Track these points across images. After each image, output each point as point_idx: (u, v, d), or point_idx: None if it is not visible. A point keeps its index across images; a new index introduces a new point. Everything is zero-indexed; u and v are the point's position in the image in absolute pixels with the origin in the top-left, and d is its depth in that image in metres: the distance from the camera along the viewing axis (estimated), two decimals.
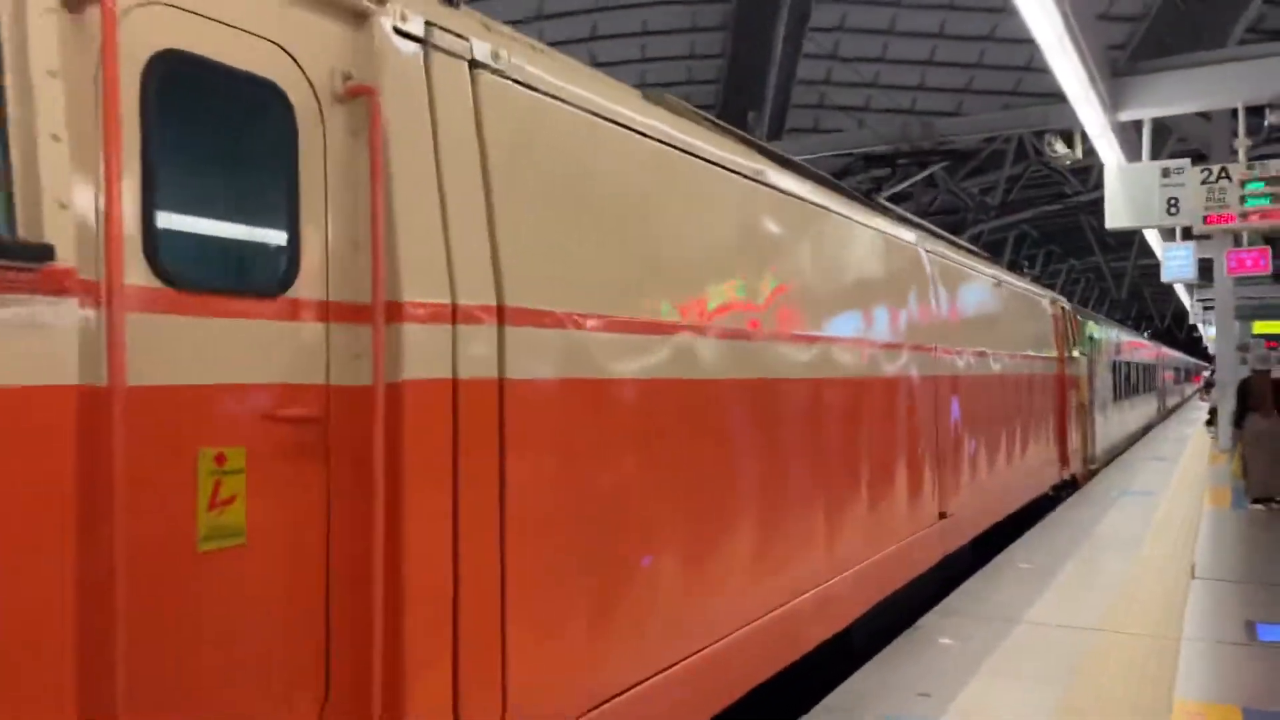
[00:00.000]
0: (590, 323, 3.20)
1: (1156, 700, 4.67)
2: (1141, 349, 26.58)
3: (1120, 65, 9.26)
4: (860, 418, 5.45)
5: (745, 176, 4.41)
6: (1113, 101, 8.65)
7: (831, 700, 4.73)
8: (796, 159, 5.85)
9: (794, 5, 17.78)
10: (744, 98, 19.50)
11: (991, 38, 18.81)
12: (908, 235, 6.55)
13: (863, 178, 22.19)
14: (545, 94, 3.14)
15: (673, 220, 3.78)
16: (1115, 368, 19.03)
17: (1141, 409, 25.12)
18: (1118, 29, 17.38)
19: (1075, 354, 13.06)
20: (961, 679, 5.02)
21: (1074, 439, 12.61)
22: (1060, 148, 13.10)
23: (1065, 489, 12.13)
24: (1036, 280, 12.65)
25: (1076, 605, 6.58)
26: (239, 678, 2.08)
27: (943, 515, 6.90)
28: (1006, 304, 9.14)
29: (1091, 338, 15.41)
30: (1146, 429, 25.60)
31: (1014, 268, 30.78)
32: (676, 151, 3.88)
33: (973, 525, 7.83)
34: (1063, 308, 12.44)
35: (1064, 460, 11.89)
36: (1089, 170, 21.85)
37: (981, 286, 8.32)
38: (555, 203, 3.10)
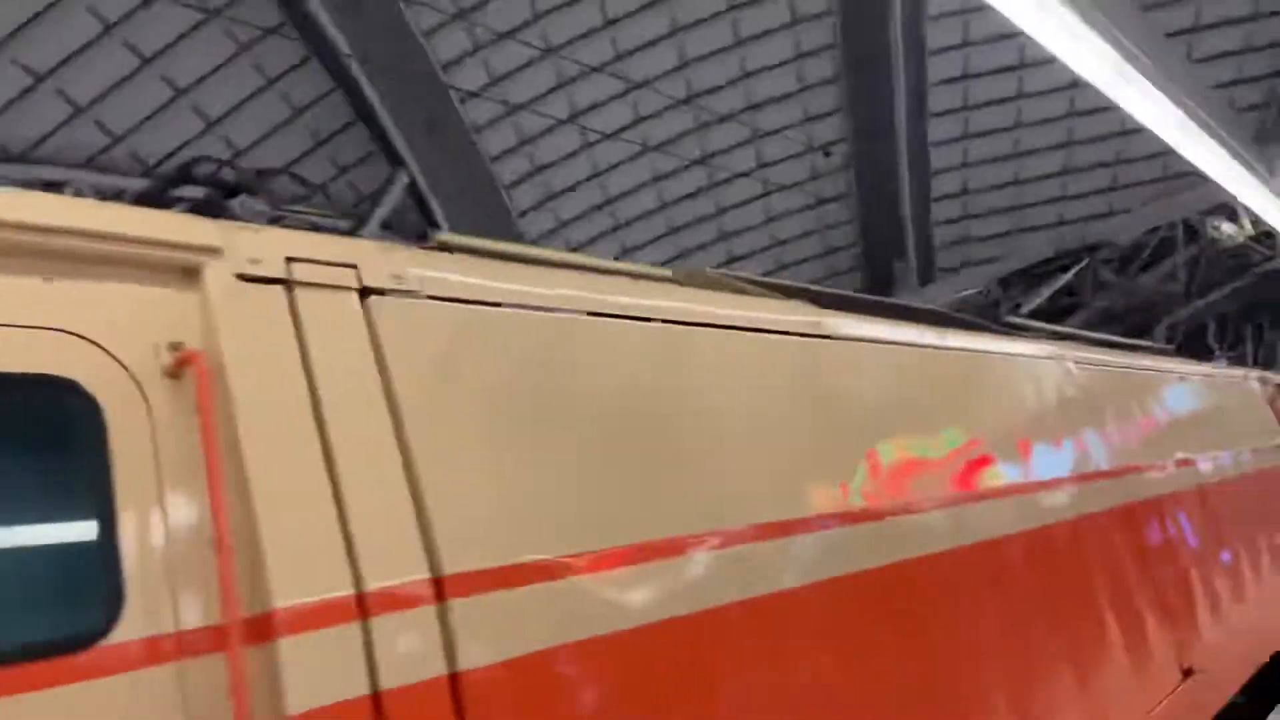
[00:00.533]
0: (586, 562, 2.47)
1: None
2: None
3: (1268, 127, 8.76)
4: (1023, 586, 4.24)
5: (802, 334, 3.68)
6: (1268, 168, 8.14)
7: None
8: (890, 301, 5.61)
9: (912, 153, 17.98)
10: (886, 253, 19.56)
11: (1124, 131, 18.31)
12: (1044, 350, 5.57)
13: (1009, 294, 21.53)
14: (488, 303, 2.63)
15: (701, 406, 3.11)
16: None
17: None
18: (1252, 91, 16.62)
19: None
20: None
21: None
22: (1226, 228, 12.32)
23: None
24: (1233, 361, 10.79)
25: None
26: None
27: (1187, 673, 5.36)
28: (1200, 398, 8.01)
29: None
30: None
31: (1209, 353, 28.65)
32: (698, 328, 3.26)
33: (1230, 678, 6.16)
34: (1277, 384, 11.27)
35: None
36: (1272, 235, 20.41)
37: (1161, 384, 7.20)
38: (518, 422, 2.54)
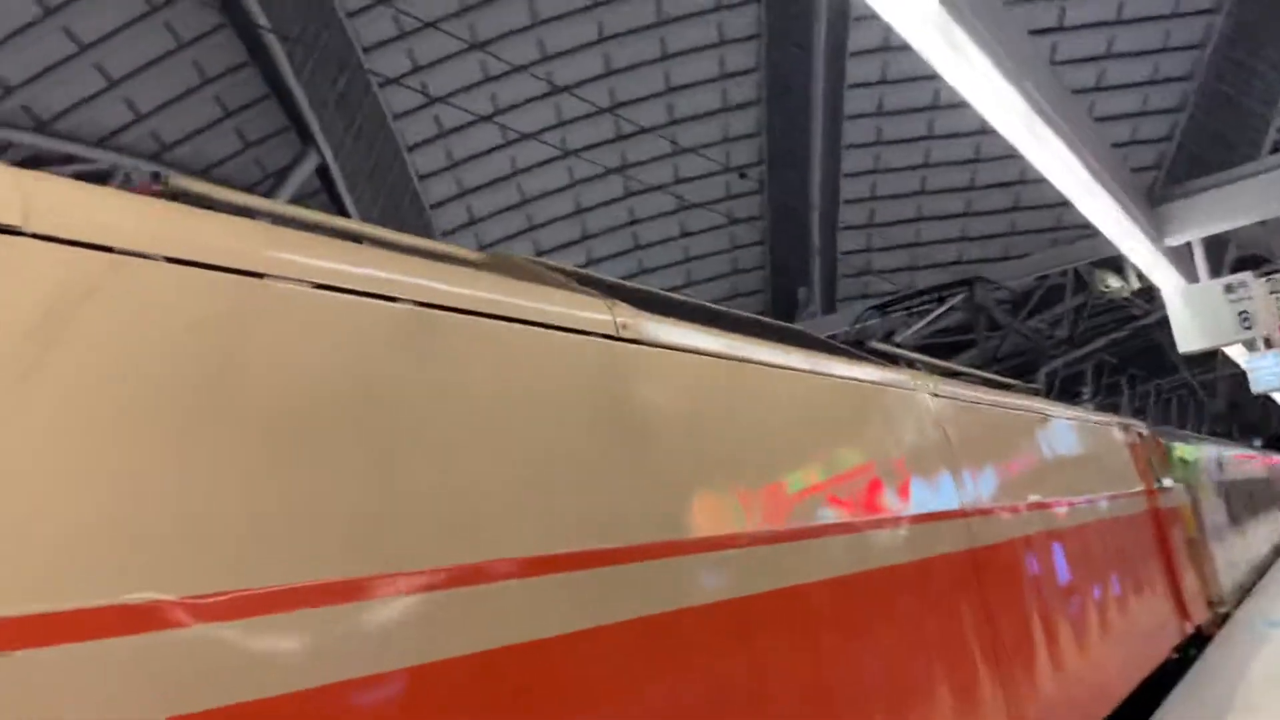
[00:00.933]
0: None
1: None
2: (1249, 461, 24.78)
3: (1158, 190, 9.24)
4: (848, 635, 3.55)
5: (595, 334, 3.00)
6: (1156, 229, 8.59)
7: None
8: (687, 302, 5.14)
9: (824, 182, 18.41)
10: (791, 278, 19.93)
11: (1024, 180, 19.10)
12: (895, 377, 4.97)
13: (924, 330, 22.18)
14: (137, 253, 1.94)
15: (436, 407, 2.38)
16: (1223, 488, 16.93)
17: (1267, 527, 22.54)
18: (1145, 151, 17.54)
19: (1167, 483, 11.25)
20: None
21: (1189, 582, 10.40)
22: (1113, 281, 12.95)
23: (1192, 645, 9.89)
24: (1104, 407, 10.04)
25: None
26: None
27: None
28: (1061, 440, 7.52)
29: (1183, 460, 13.64)
30: (1272, 559, 22.70)
31: (1096, 398, 29.88)
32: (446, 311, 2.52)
33: None
34: (1140, 433, 10.76)
35: (1182, 612, 9.73)
36: (1152, 290, 21.55)
37: (1023, 424, 6.64)
38: (157, 410, 1.91)
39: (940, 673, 4.07)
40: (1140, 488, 9.54)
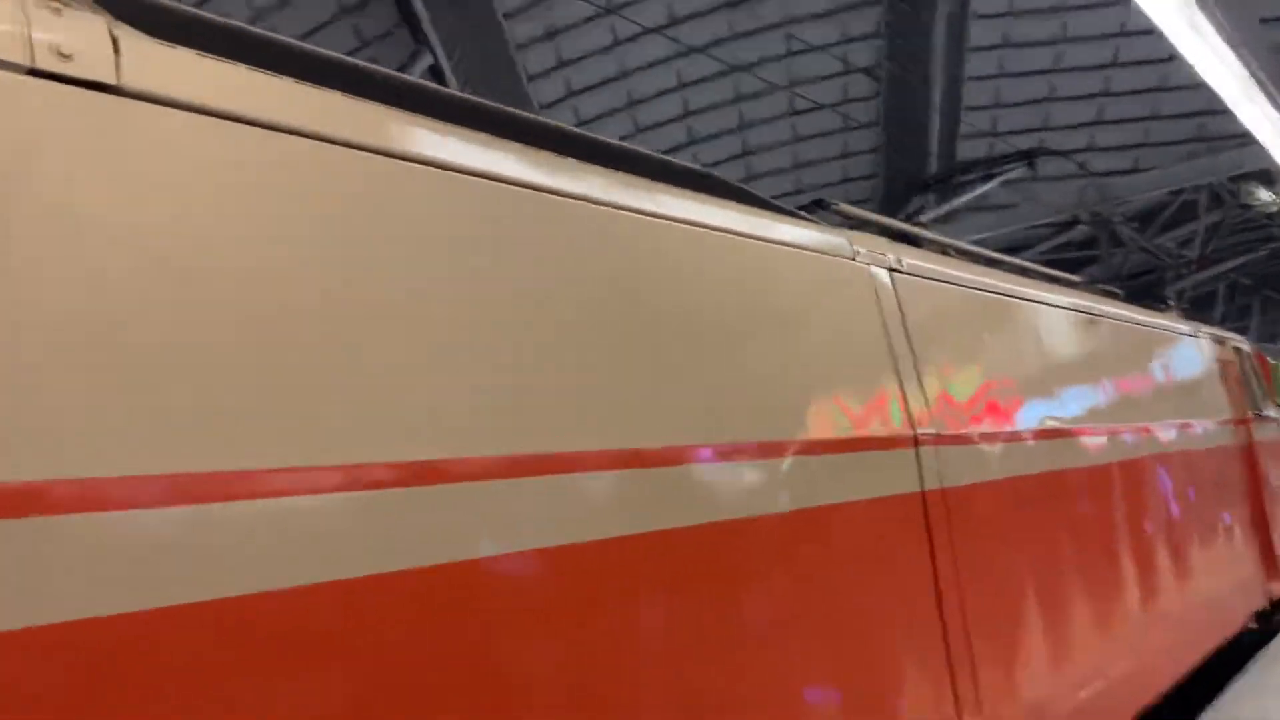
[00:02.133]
0: None
1: None
2: None
3: None
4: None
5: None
6: None
7: None
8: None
9: (947, 87, 17.59)
10: (907, 184, 19.28)
11: (1164, 87, 17.90)
12: (817, 238, 3.56)
13: (1045, 248, 21.34)
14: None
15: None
16: None
17: None
18: None
19: (1270, 410, 9.49)
20: None
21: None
22: (1263, 194, 12.12)
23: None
24: (1188, 315, 8.46)
25: None
26: None
27: None
28: (1113, 351, 5.92)
29: None
30: None
31: (1225, 322, 28.44)
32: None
33: None
34: (1237, 349, 9.05)
35: (1273, 569, 8.16)
36: None
37: (1040, 324, 5.08)
38: None
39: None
40: (1228, 415, 8.01)
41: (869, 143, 19.36)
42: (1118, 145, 19.68)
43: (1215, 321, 21.95)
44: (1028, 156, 10.35)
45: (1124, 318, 6.37)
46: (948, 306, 4.17)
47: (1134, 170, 19.57)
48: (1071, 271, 14.03)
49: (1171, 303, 8.79)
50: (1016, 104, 18.66)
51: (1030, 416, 4.50)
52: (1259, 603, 7.65)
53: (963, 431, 3.80)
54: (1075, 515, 4.65)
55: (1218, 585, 6.64)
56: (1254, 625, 7.47)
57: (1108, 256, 18.91)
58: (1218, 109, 17.65)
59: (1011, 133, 19.15)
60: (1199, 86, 16.88)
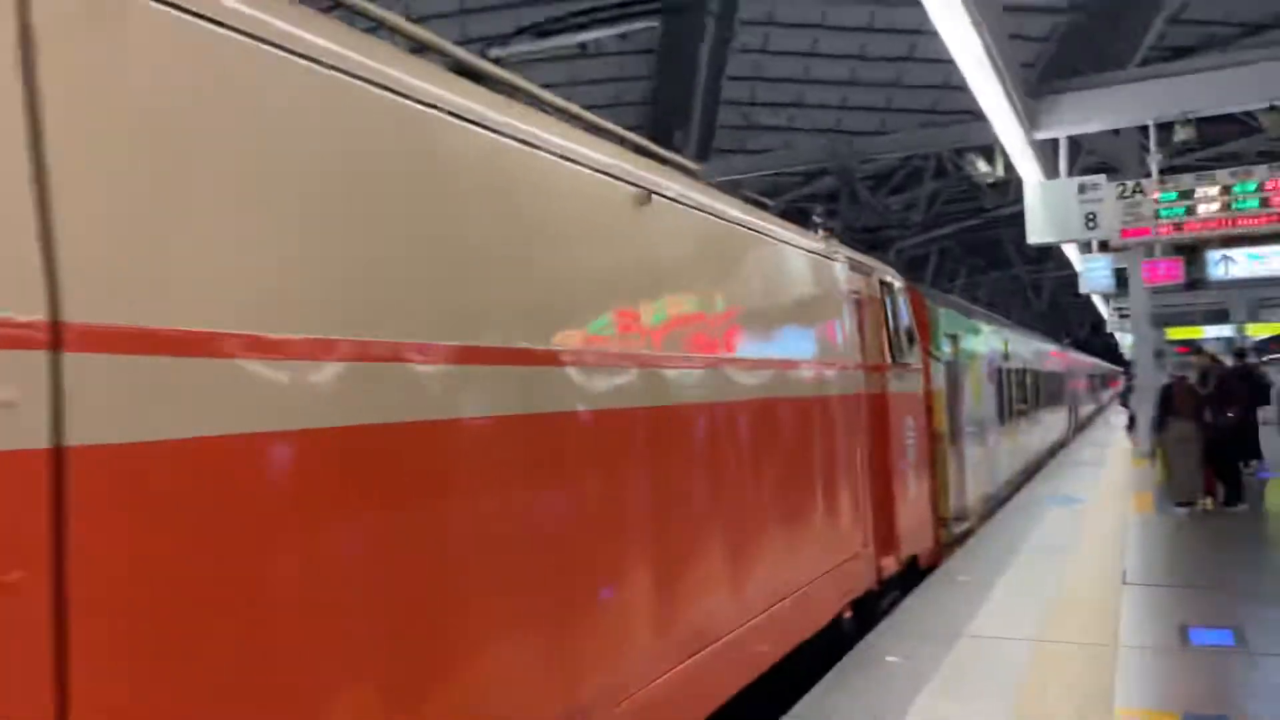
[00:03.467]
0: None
1: (1099, 711, 4.73)
2: (1043, 352, 21.88)
3: (1032, 85, 9.51)
4: None
5: None
6: (1030, 120, 8.89)
7: None
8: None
9: (718, 28, 17.98)
10: (672, 118, 19.66)
11: (910, 58, 19.22)
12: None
13: (793, 195, 22.52)
14: None
15: None
16: (1002, 378, 14.10)
17: (1045, 428, 20.52)
18: (1027, 48, 17.89)
19: (913, 359, 8.25)
20: (910, 697, 5.02)
21: (910, 499, 7.86)
22: (982, 165, 13.42)
23: (894, 585, 7.49)
24: (831, 235, 6.98)
25: (1015, 617, 6.66)
26: None
27: None
28: (696, 250, 4.60)
29: (954, 336, 10.58)
30: (1054, 450, 21.56)
31: (936, 284, 31.14)
32: None
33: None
34: (884, 282, 7.63)
35: (889, 543, 7.17)
36: (1006, 185, 22.44)
37: (634, 219, 3.99)
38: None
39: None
40: (856, 360, 6.65)
41: (642, 70, 19.54)
42: (868, 106, 20.99)
43: (926, 282, 24.15)
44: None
45: (716, 210, 4.70)
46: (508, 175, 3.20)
47: (880, 132, 20.99)
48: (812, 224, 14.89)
49: (818, 220, 7.15)
50: (781, 52, 19.40)
51: (555, 329, 3.32)
52: (864, 584, 6.52)
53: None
54: (572, 477, 3.35)
55: (804, 568, 5.43)
56: (849, 614, 6.34)
57: (846, 210, 20.27)
58: (953, 85, 19.37)
59: (775, 80, 19.97)
60: (940, 62, 18.40)
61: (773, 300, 5.51)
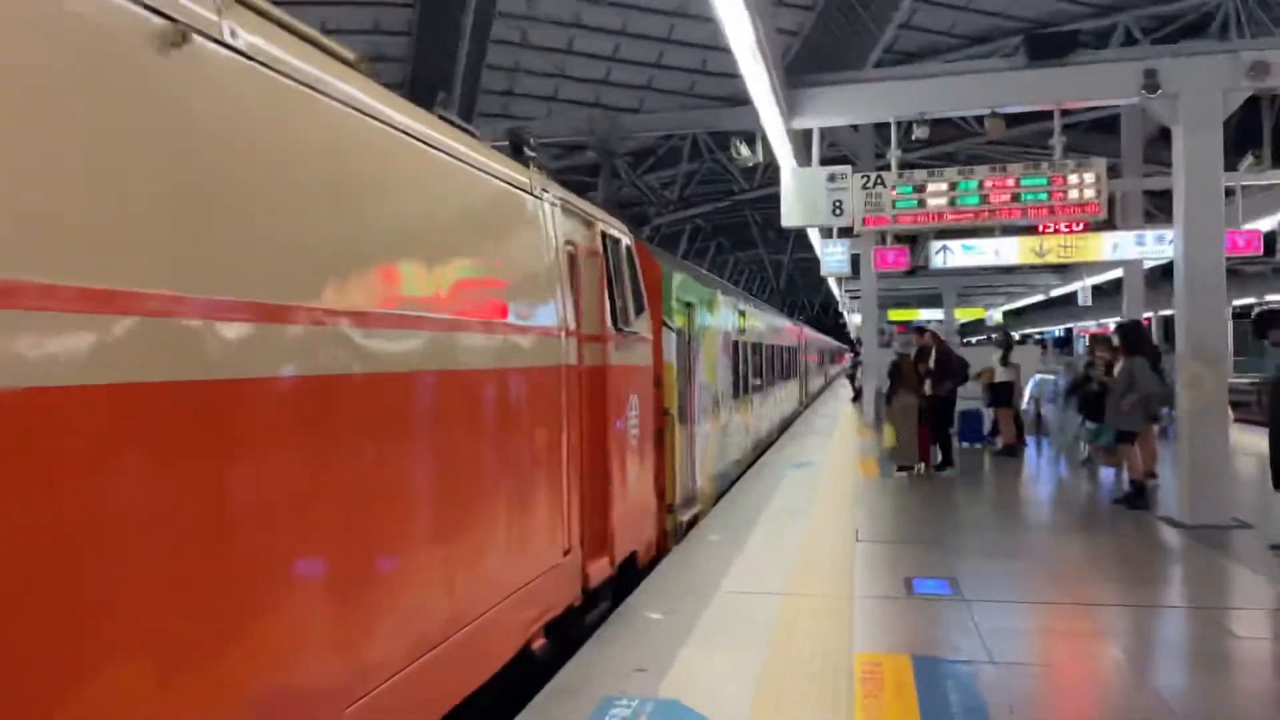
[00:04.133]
0: None
1: (840, 656, 5.18)
2: (780, 327, 21.27)
3: (783, 77, 10.10)
4: None
5: None
6: (789, 110, 9.44)
7: (556, 683, 4.80)
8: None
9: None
10: (434, 77, 19.15)
11: (670, 40, 19.77)
12: None
13: (555, 166, 22.56)
14: None
15: None
16: (739, 351, 13.38)
17: (779, 402, 20.11)
18: (781, 41, 18.91)
19: (642, 328, 7.21)
20: (672, 651, 5.27)
21: (631, 488, 6.85)
22: (745, 150, 14.07)
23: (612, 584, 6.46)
24: (543, 171, 5.75)
25: (764, 573, 7.14)
26: None
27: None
28: (350, 167, 3.48)
29: (688, 305, 9.51)
30: (787, 424, 21.29)
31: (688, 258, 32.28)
32: None
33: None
34: (608, 236, 6.55)
35: (601, 542, 6.15)
36: (754, 170, 23.65)
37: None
38: None
39: None
40: (566, 325, 5.45)
41: (401, 24, 18.88)
42: (629, 84, 21.40)
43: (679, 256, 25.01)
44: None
45: (340, 95, 3.38)
46: None
47: (639, 110, 21.46)
48: (577, 192, 15.04)
49: (532, 152, 5.64)
50: (547, 20, 19.37)
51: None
52: (565, 600, 5.44)
53: None
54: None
55: (471, 599, 4.15)
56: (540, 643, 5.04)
57: (607, 185, 20.60)
58: (710, 71, 20.21)
59: (540, 48, 19.92)
60: (698, 47, 19.13)
61: (438, 238, 4.09)
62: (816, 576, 7.03)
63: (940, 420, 12.64)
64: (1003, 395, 14.68)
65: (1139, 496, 9.80)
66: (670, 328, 8.36)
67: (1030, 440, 15.55)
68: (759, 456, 14.93)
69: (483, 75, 20.15)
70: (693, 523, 9.13)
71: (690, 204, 27.83)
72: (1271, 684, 4.96)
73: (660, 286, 8.20)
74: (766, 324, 18.03)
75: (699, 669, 5.03)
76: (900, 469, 12.45)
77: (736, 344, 13.00)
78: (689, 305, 9.57)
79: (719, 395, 11.18)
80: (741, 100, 10.67)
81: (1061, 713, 4.61)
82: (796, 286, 51.55)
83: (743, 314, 14.07)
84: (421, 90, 19.29)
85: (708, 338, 10.51)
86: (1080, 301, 30.00)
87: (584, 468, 5.71)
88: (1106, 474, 11.96)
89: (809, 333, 32.66)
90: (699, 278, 11.34)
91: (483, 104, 20.92)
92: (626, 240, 7.01)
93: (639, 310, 7.14)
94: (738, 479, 12.36)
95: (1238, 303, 33.09)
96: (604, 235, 6.38)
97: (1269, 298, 33.72)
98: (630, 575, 6.85)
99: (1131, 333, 10.70)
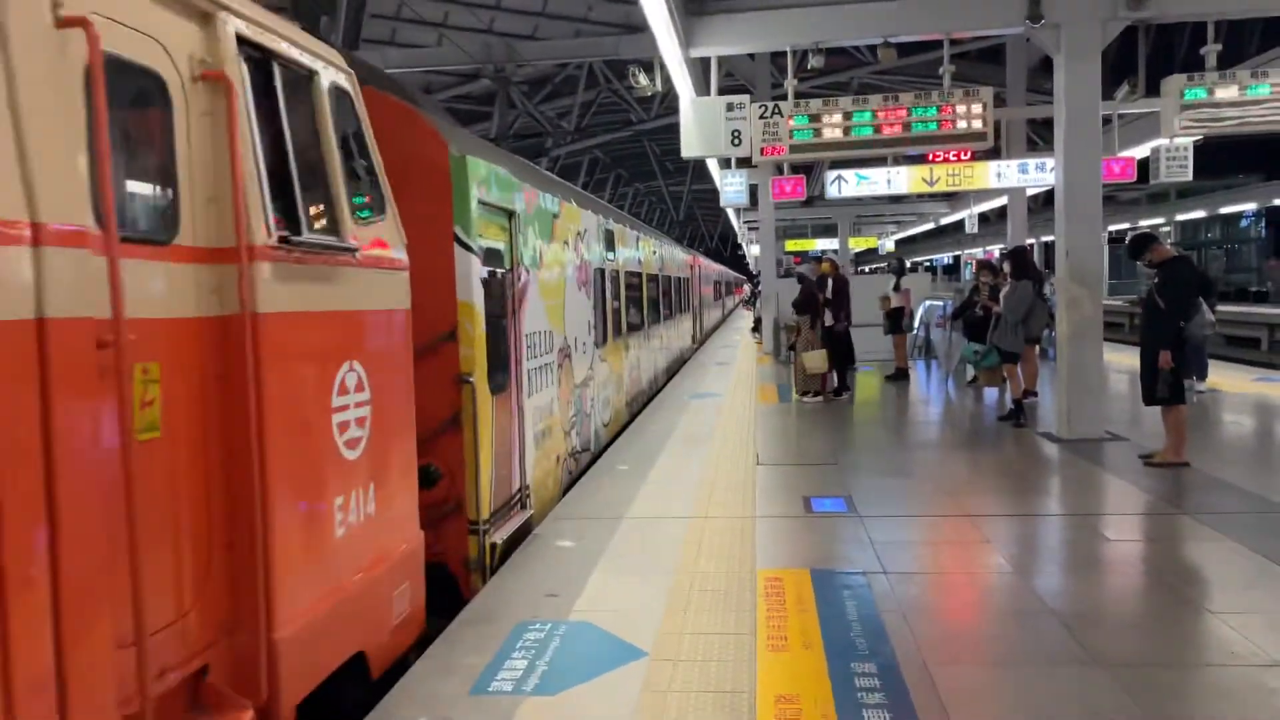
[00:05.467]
0: None
1: (744, 573, 5.39)
2: (665, 254, 18.17)
3: (680, 3, 10.03)
4: None
5: None
6: (686, 38, 9.39)
7: (469, 612, 4.88)
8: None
9: None
10: (316, 2, 18.34)
11: None
12: None
13: (446, 95, 21.97)
14: None
15: None
16: (605, 282, 10.62)
17: (667, 342, 17.41)
18: None
19: (391, 243, 4.32)
20: (583, 577, 5.41)
21: (339, 539, 3.60)
22: (643, 79, 13.93)
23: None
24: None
25: (670, 498, 7.32)
26: None
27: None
28: None
29: (507, 212, 6.67)
30: (678, 367, 19.08)
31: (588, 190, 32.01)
32: None
33: None
34: (340, 88, 3.95)
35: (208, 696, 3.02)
36: (652, 100, 23.50)
37: None
38: None
39: None
40: (104, 232, 2.47)
41: None
42: (523, 10, 20.87)
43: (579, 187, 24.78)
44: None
45: None
46: None
47: (533, 37, 20.97)
48: (465, 125, 14.73)
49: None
50: None
51: None
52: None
53: None
54: None
55: None
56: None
57: (502, 115, 20.20)
58: None
59: None
60: None
61: None
62: (720, 499, 7.25)
63: (838, 346, 12.99)
64: (895, 321, 15.14)
65: (1020, 414, 10.32)
66: (470, 249, 5.65)
67: (919, 363, 16.11)
68: (635, 416, 12.19)
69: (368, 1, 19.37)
70: (522, 534, 6.44)
71: (588, 134, 27.51)
72: (1137, 580, 5.36)
73: (448, 179, 5.53)
74: (649, 250, 14.66)
75: (609, 591, 5.17)
76: (802, 394, 12.80)
77: (603, 273, 10.32)
78: (510, 214, 6.67)
79: (572, 344, 8.54)
80: (639, 27, 10.55)
81: (950, 616, 4.91)
82: (696, 218, 51.70)
83: (611, 235, 10.93)
84: (305, 11, 18.52)
85: (549, 264, 7.71)
86: (968, 229, 30.91)
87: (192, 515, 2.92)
88: (990, 393, 12.53)
89: (705, 261, 30.22)
90: (526, 170, 7.90)
91: (369, 29, 20.14)
92: (332, 75, 3.88)
93: (376, 209, 4.22)
94: (607, 447, 9.93)
95: (1113, 228, 34.66)
96: (253, 57, 3.29)
97: (1142, 223, 35.40)
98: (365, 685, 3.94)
99: (1019, 258, 11.16)
